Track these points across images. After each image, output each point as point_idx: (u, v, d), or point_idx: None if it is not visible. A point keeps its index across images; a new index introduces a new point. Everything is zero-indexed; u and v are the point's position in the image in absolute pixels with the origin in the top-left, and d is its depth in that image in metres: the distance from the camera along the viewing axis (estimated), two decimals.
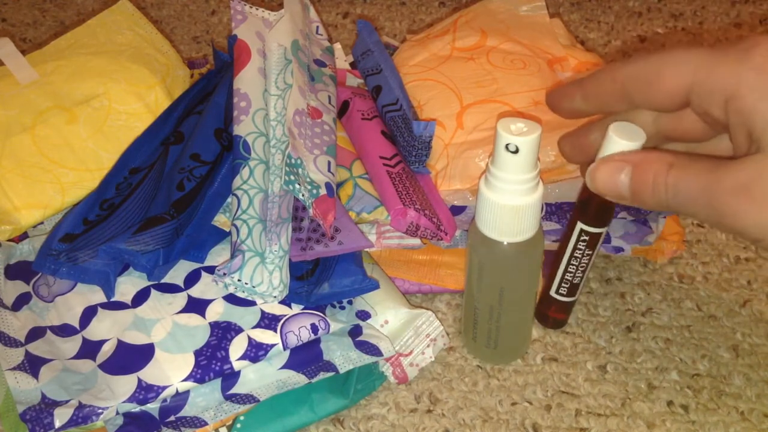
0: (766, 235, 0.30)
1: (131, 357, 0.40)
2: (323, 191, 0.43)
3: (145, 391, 0.39)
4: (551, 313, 0.46)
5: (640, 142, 0.36)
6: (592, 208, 0.41)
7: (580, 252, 0.42)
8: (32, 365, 0.40)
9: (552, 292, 0.45)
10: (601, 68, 0.37)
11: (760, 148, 0.30)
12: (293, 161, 0.44)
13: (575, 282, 0.44)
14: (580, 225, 0.42)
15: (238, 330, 0.41)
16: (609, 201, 0.39)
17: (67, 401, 0.38)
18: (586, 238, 0.42)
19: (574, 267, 0.43)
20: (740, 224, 0.30)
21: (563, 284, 0.44)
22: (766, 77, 0.30)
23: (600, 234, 0.42)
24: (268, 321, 0.41)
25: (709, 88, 0.32)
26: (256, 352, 0.40)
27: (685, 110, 0.35)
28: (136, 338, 0.41)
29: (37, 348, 0.41)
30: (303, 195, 0.44)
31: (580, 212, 0.42)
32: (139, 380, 0.39)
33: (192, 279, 0.44)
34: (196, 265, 0.45)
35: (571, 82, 0.39)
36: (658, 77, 0.33)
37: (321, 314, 0.42)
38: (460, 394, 0.44)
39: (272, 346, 0.40)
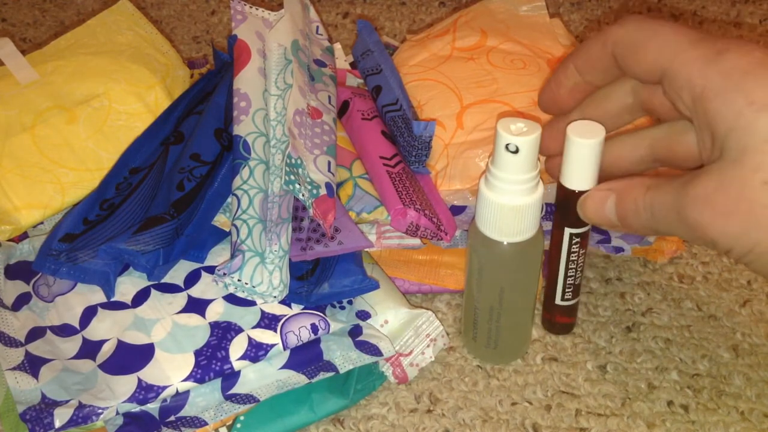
0: (734, 245, 0.30)
1: (131, 357, 0.40)
2: (323, 191, 0.43)
3: (145, 391, 0.39)
4: (558, 319, 0.46)
5: (598, 139, 0.37)
6: (574, 210, 0.41)
7: (575, 254, 0.42)
8: (32, 365, 0.40)
9: (557, 301, 0.45)
10: (590, 36, 0.37)
11: (722, 155, 0.30)
12: (293, 161, 0.44)
13: (577, 283, 0.44)
14: (568, 230, 0.42)
15: (238, 330, 0.41)
16: None
17: (67, 401, 0.38)
18: (578, 239, 0.42)
19: (573, 269, 0.43)
20: (709, 236, 0.30)
21: (567, 289, 0.44)
22: (733, 82, 0.30)
23: (588, 231, 0.42)
24: (268, 321, 0.41)
25: (679, 83, 0.32)
26: (256, 352, 0.40)
27: (658, 87, 0.35)
28: (136, 338, 0.41)
29: (37, 348, 0.41)
30: (303, 195, 0.44)
31: (562, 217, 0.41)
32: (139, 380, 0.39)
33: (192, 279, 0.44)
34: (196, 265, 0.45)
35: (564, 60, 0.39)
36: (643, 48, 0.34)
37: (321, 314, 0.42)
38: (460, 394, 0.44)
39: (272, 346, 0.40)
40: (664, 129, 0.38)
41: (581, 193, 0.39)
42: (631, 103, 0.38)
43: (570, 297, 0.45)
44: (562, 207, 0.41)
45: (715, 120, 0.30)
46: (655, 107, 0.37)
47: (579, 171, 0.39)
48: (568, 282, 0.44)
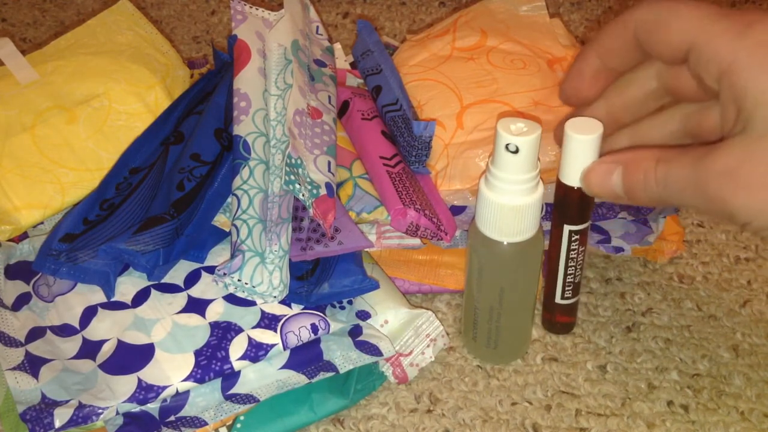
0: (753, 218, 0.30)
1: (131, 357, 0.40)
2: (323, 191, 0.43)
3: (145, 391, 0.39)
4: (558, 318, 0.46)
5: (597, 134, 0.37)
6: (573, 207, 0.41)
7: (575, 251, 0.42)
8: (32, 365, 0.40)
9: (557, 300, 0.45)
10: (610, 21, 0.37)
11: (746, 128, 0.30)
12: (293, 161, 0.44)
13: (576, 282, 0.44)
14: (567, 227, 0.41)
15: (238, 330, 0.41)
16: (586, 196, 0.39)
17: (67, 401, 0.38)
18: (577, 237, 0.42)
19: (573, 267, 0.43)
20: (729, 209, 0.30)
21: (567, 288, 0.44)
22: (760, 56, 0.30)
23: (587, 228, 0.42)
24: (268, 321, 0.41)
25: (706, 56, 0.31)
26: (256, 352, 0.40)
27: (683, 67, 0.35)
28: (136, 338, 0.41)
29: (37, 348, 0.41)
30: (303, 195, 0.44)
31: (561, 215, 0.41)
32: (139, 380, 0.39)
33: (192, 279, 0.44)
34: (196, 265, 0.45)
35: (585, 46, 0.38)
36: (666, 25, 0.33)
37: (321, 314, 0.42)
38: (460, 394, 0.44)
39: (272, 346, 0.40)
40: (695, 104, 0.37)
41: (580, 189, 0.39)
42: (656, 87, 0.38)
43: (570, 295, 0.45)
44: (561, 204, 0.41)
45: (741, 94, 0.30)
46: (680, 89, 0.36)
47: (578, 167, 0.38)
48: (567, 280, 0.44)
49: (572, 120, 0.38)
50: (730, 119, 0.32)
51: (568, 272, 0.43)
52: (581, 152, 0.38)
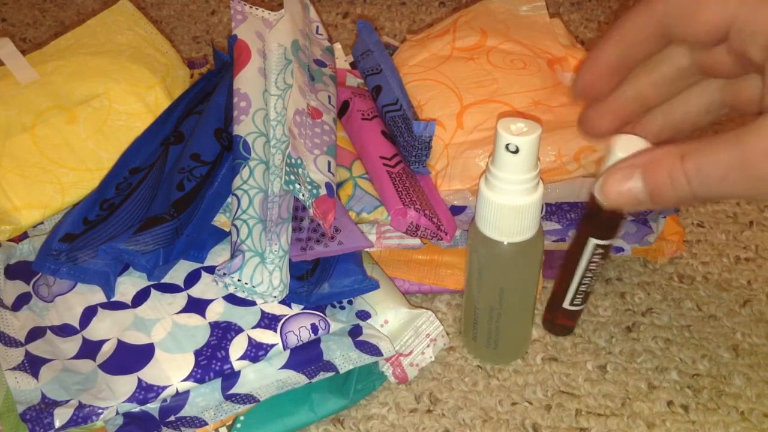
0: None
1: (131, 357, 0.40)
2: (323, 191, 0.43)
3: (145, 391, 0.39)
4: (560, 320, 0.46)
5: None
6: (603, 221, 0.40)
7: (596, 264, 0.42)
8: (32, 365, 0.40)
9: (565, 305, 0.45)
10: (629, 11, 0.35)
11: None
12: (293, 161, 0.44)
13: (589, 291, 0.44)
14: (593, 241, 0.41)
15: (238, 330, 0.41)
16: (620, 215, 0.38)
17: (67, 401, 0.38)
18: (601, 252, 0.42)
19: (589, 279, 0.43)
20: None
21: (578, 296, 0.44)
22: None
23: (612, 243, 0.42)
24: (268, 321, 0.41)
25: (751, 28, 0.30)
26: (256, 352, 0.40)
27: (715, 47, 0.34)
28: (136, 338, 0.41)
29: (37, 348, 0.41)
30: (303, 195, 0.44)
31: (589, 226, 0.41)
32: (139, 380, 0.39)
33: (192, 279, 0.44)
34: (196, 265, 0.45)
35: (607, 34, 0.36)
36: (700, 8, 0.32)
37: (321, 314, 0.42)
38: (460, 394, 0.44)
39: (272, 346, 0.40)
40: (723, 81, 0.36)
41: None
42: (687, 65, 0.36)
43: (579, 303, 0.45)
44: (592, 216, 0.40)
45: None
46: (715, 66, 0.35)
47: None
48: (581, 289, 0.44)
49: (618, 138, 0.36)
50: None
51: (584, 282, 0.43)
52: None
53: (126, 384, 0.39)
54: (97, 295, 0.43)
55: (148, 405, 0.39)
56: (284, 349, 0.41)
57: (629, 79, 0.38)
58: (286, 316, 0.42)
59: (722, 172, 0.30)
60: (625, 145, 0.36)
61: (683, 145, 0.31)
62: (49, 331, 0.42)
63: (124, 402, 0.38)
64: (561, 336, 0.47)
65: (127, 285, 0.44)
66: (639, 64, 0.36)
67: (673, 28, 0.33)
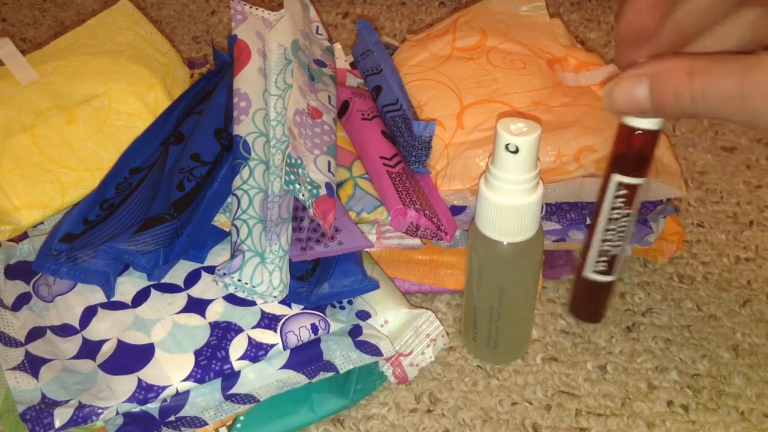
0: None
1: (131, 357, 0.40)
2: (323, 191, 0.43)
3: (145, 391, 0.39)
4: (580, 303, 0.42)
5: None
6: (628, 154, 0.37)
7: (618, 211, 0.39)
8: (32, 365, 0.40)
9: (587, 272, 0.41)
10: None
11: None
12: (293, 161, 0.44)
13: (614, 253, 0.40)
14: (616, 178, 0.38)
15: (238, 330, 0.41)
16: (649, 149, 0.37)
17: (67, 401, 0.38)
18: (625, 191, 0.38)
19: (613, 232, 0.39)
20: None
21: (601, 258, 0.40)
22: None
23: (638, 186, 0.38)
24: (268, 321, 0.41)
25: None
26: (256, 352, 0.40)
27: None
28: (136, 338, 0.41)
29: (37, 348, 0.41)
30: (303, 195, 0.44)
31: (614, 165, 0.38)
32: (139, 380, 0.39)
33: (192, 279, 0.44)
34: (196, 265, 0.45)
35: None
36: None
37: (321, 314, 0.42)
38: (460, 394, 0.44)
39: (272, 346, 0.40)
40: (762, 8, 0.35)
41: (641, 134, 0.36)
42: (750, 39, 0.35)
43: (603, 269, 0.41)
44: (617, 149, 0.37)
45: None
46: None
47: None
48: (604, 247, 0.40)
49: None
50: None
51: (607, 236, 0.39)
52: None
53: (126, 384, 0.39)
54: (97, 295, 0.43)
55: (148, 405, 0.39)
56: (284, 349, 0.41)
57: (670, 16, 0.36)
58: (286, 316, 0.42)
59: (725, 100, 0.30)
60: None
61: (693, 61, 0.31)
62: (49, 331, 0.42)
63: (124, 402, 0.38)
64: (586, 323, 0.43)
65: (127, 285, 0.44)
66: None
67: None
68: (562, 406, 0.43)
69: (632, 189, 0.38)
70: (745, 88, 0.29)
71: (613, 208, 0.38)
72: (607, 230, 0.39)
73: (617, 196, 0.38)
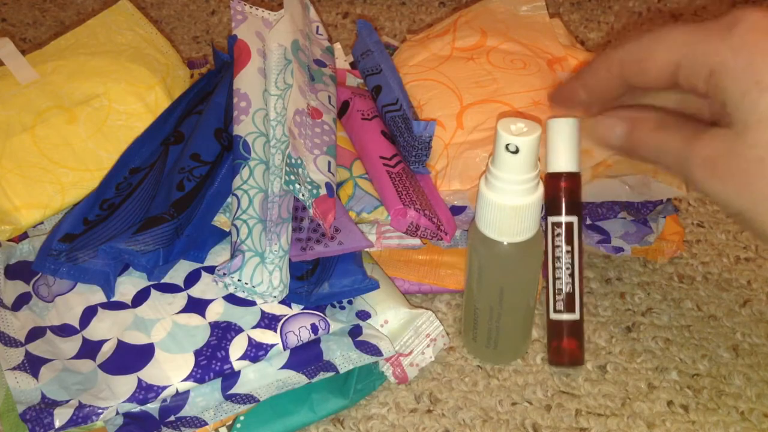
0: (726, 205, 0.32)
1: (131, 357, 0.40)
2: (323, 191, 0.43)
3: (145, 391, 0.39)
4: (556, 343, 0.43)
5: (576, 119, 0.39)
6: (559, 200, 0.41)
7: (560, 249, 0.41)
8: (32, 365, 0.40)
9: (551, 314, 0.43)
10: (594, 58, 0.38)
11: (731, 123, 0.32)
12: (293, 161, 0.44)
13: (568, 291, 0.42)
14: (551, 219, 0.41)
15: (238, 330, 0.41)
16: (574, 190, 0.40)
17: (67, 401, 0.38)
18: (559, 231, 0.41)
19: (560, 270, 0.42)
20: (705, 190, 0.33)
21: (558, 297, 0.42)
22: (743, 57, 0.31)
23: (572, 223, 0.41)
24: (268, 321, 0.41)
25: (693, 63, 0.33)
26: (256, 352, 0.40)
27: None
28: (136, 338, 0.41)
29: (37, 348, 0.41)
30: (303, 195, 0.44)
31: (547, 209, 0.42)
32: (139, 380, 0.39)
33: (192, 279, 0.44)
34: (196, 265, 0.45)
35: (571, 79, 0.40)
36: (649, 56, 0.35)
37: (321, 314, 0.42)
38: (460, 394, 0.44)
39: (272, 346, 0.40)
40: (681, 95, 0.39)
41: (562, 176, 0.40)
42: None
43: (562, 308, 0.42)
44: (548, 192, 0.41)
45: (725, 95, 0.32)
46: (690, 109, 0.38)
47: (561, 151, 0.40)
48: (557, 287, 0.42)
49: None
50: (716, 113, 0.34)
51: (557, 275, 0.42)
52: (564, 135, 0.40)
53: (126, 384, 0.39)
54: (97, 295, 0.43)
55: (148, 405, 0.39)
56: (284, 349, 0.41)
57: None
58: (286, 316, 0.42)
59: (672, 159, 0.34)
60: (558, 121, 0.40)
61: (663, 117, 0.36)
62: (49, 331, 0.42)
63: (124, 402, 0.38)
64: (568, 367, 0.44)
65: (127, 285, 0.44)
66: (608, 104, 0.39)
67: (629, 77, 0.36)
68: (562, 406, 0.43)
69: (568, 227, 0.42)
70: (687, 155, 0.34)
71: (556, 246, 0.42)
72: (556, 268, 0.42)
73: (556, 235, 0.42)
